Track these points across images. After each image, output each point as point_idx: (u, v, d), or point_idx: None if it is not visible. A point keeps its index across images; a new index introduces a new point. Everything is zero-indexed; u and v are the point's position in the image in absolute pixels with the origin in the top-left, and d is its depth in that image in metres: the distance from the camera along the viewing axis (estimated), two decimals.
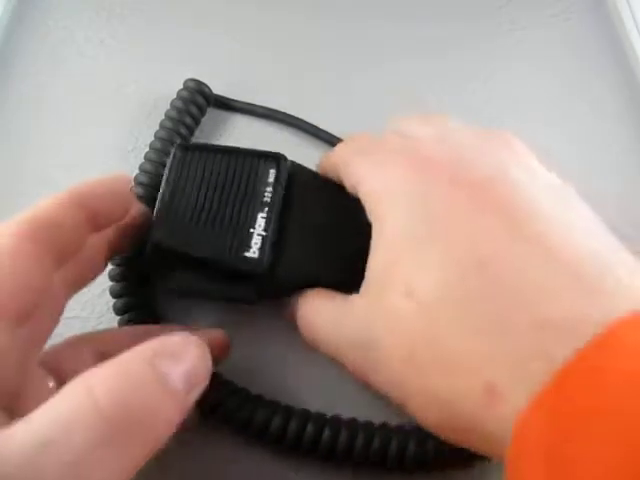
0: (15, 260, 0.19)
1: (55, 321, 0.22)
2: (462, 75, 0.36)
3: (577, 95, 0.35)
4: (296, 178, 0.25)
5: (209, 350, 0.19)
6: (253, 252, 0.23)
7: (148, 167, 0.29)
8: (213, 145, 0.27)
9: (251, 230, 0.24)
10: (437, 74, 0.35)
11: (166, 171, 0.25)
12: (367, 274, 0.22)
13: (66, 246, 0.21)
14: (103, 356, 0.19)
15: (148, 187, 0.28)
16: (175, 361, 0.18)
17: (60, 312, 0.22)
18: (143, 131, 0.33)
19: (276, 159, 0.25)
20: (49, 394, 0.17)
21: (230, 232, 0.24)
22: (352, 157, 0.25)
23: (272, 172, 0.25)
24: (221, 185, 0.25)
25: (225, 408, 0.24)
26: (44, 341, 0.21)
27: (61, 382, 0.21)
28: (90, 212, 0.21)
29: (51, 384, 0.21)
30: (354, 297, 0.22)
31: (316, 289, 0.25)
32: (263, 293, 0.25)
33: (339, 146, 0.28)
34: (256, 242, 0.24)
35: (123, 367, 0.17)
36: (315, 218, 0.25)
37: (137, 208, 0.25)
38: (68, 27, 0.36)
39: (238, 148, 0.26)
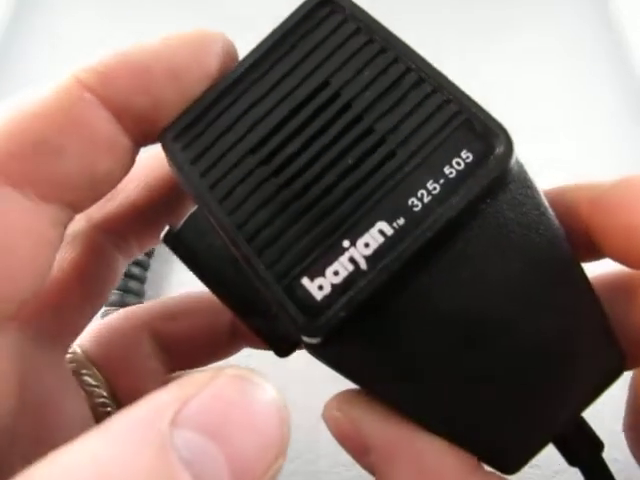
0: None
1: (99, 299, 0.17)
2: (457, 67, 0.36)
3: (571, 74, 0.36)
4: (504, 195, 0.12)
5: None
6: (318, 289, 0.12)
7: None
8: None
9: (344, 244, 0.12)
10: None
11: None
12: None
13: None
14: (163, 340, 0.17)
15: None
16: None
17: (112, 281, 0.17)
18: None
19: (500, 133, 0.12)
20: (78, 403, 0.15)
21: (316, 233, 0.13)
22: None
23: (468, 155, 0.12)
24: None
25: None
26: (74, 332, 0.17)
27: (112, 383, 0.17)
28: (120, 110, 0.13)
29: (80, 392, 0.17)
30: None
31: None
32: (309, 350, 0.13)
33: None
34: (337, 271, 0.12)
35: None
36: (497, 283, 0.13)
37: None
38: (68, 28, 0.37)
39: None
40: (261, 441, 0.10)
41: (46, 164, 0.12)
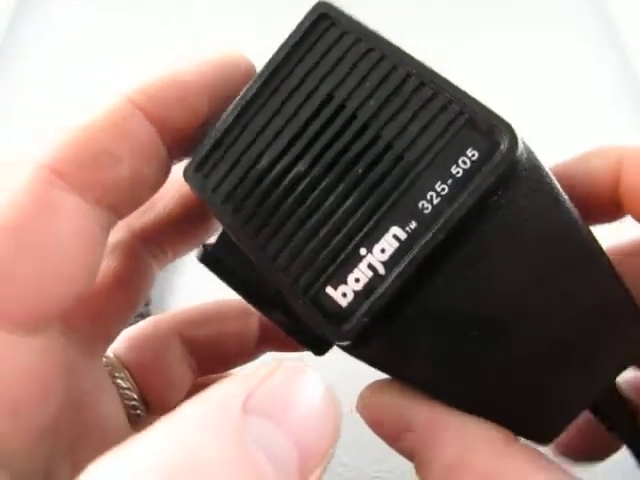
0: (49, 216, 0.13)
1: (135, 305, 0.18)
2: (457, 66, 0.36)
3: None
4: (517, 185, 0.13)
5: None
6: (342, 296, 0.13)
7: None
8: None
9: (362, 252, 0.13)
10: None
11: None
12: None
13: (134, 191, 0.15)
14: (191, 345, 0.18)
15: None
16: None
17: (146, 289, 0.18)
18: None
19: (504, 128, 0.12)
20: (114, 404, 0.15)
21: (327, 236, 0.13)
22: None
23: (474, 152, 0.12)
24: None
25: None
26: (111, 337, 0.17)
27: (142, 386, 0.18)
28: (166, 126, 0.14)
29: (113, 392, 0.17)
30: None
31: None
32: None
33: None
34: (357, 278, 0.13)
35: None
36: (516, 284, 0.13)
37: None
38: (68, 29, 0.37)
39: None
40: (321, 429, 0.10)
41: (104, 171, 0.14)
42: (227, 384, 0.10)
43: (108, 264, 0.17)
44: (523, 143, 0.12)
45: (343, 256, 0.13)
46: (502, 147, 0.12)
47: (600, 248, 0.15)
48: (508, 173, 0.12)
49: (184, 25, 0.37)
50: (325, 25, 0.14)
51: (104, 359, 0.18)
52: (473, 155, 0.12)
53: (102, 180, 0.14)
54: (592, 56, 0.37)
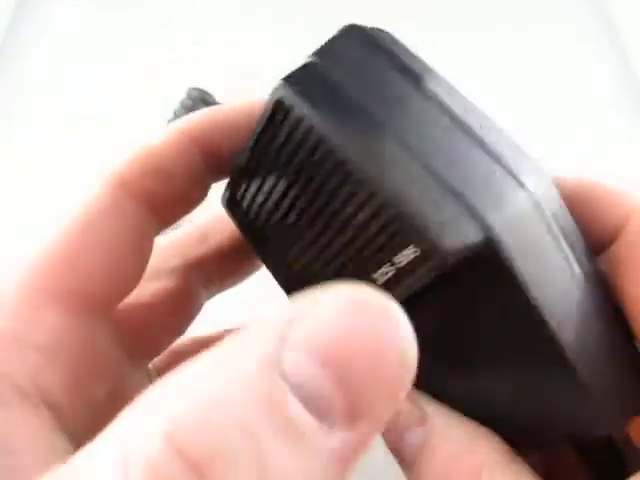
0: (108, 227, 0.15)
1: (183, 327, 0.19)
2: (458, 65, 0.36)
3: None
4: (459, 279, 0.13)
5: None
6: None
7: None
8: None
9: None
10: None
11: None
12: None
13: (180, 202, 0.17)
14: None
15: None
16: None
17: (194, 314, 0.19)
18: None
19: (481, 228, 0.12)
20: None
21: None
22: None
23: (410, 251, 0.13)
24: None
25: None
26: (156, 352, 0.19)
27: None
28: (210, 152, 0.17)
29: None
30: None
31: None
32: None
33: None
34: None
35: None
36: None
37: None
38: (68, 29, 0.37)
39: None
40: (381, 381, 0.09)
41: (160, 185, 0.16)
42: (273, 312, 0.09)
43: (164, 284, 0.18)
44: (489, 238, 0.12)
45: None
46: (441, 248, 0.12)
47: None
48: (445, 274, 0.13)
49: (184, 25, 0.37)
50: (282, 114, 0.15)
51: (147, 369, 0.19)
52: (414, 252, 0.13)
53: (158, 192, 0.16)
54: (592, 56, 0.37)
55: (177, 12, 0.38)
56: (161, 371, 0.19)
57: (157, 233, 0.17)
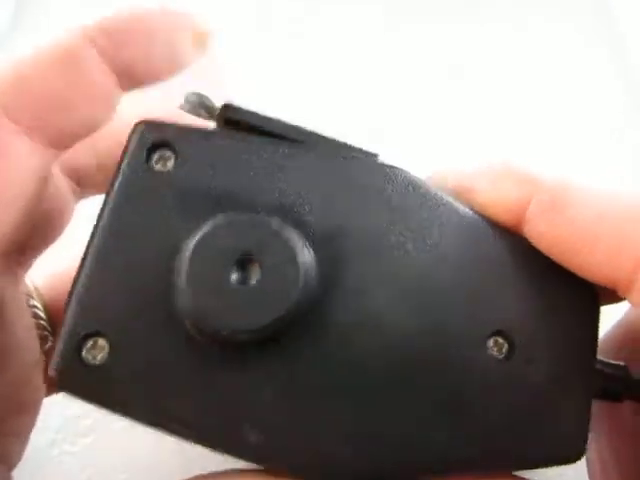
0: None
1: (51, 240, 0.18)
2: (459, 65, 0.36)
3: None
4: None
5: None
6: None
7: None
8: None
9: None
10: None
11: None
12: None
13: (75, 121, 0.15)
14: None
15: None
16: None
17: (66, 222, 0.18)
18: None
19: None
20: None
21: None
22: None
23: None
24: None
25: None
26: (29, 264, 0.18)
27: (57, 315, 0.18)
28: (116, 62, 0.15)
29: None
30: None
31: None
32: None
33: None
34: None
35: None
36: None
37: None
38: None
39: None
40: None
41: (55, 116, 0.14)
42: None
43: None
44: None
45: None
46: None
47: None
48: None
49: None
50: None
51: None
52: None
53: (53, 124, 0.14)
54: (592, 56, 0.37)
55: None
56: (46, 295, 0.19)
57: (54, 160, 0.15)
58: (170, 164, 0.15)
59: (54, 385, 0.13)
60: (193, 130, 0.15)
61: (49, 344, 0.19)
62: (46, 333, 0.19)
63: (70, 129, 0.15)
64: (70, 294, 0.14)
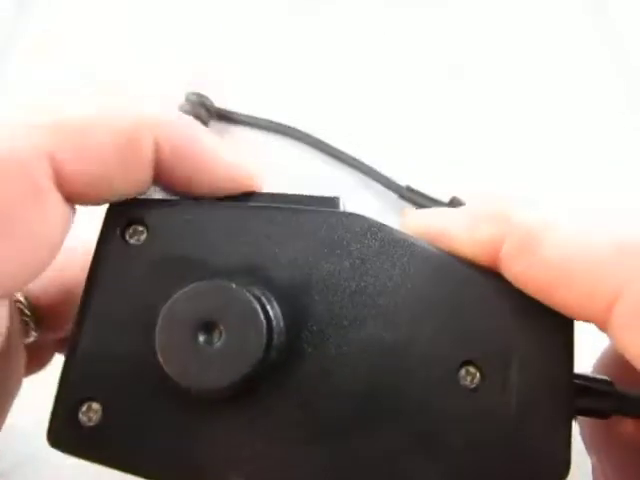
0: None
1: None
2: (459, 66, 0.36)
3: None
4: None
5: None
6: None
7: None
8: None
9: None
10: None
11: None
12: None
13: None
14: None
15: None
16: None
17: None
18: None
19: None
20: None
21: None
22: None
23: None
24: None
25: None
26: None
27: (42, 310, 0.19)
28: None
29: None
30: None
31: None
32: None
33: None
34: None
35: None
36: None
37: None
38: (66, 32, 0.36)
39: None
40: None
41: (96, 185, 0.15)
42: None
43: None
44: None
45: None
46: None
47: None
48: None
49: (183, 29, 0.37)
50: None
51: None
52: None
53: (90, 187, 0.15)
54: (592, 56, 0.37)
55: (177, 15, 0.37)
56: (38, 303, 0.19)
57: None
58: (143, 237, 0.16)
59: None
60: (162, 203, 0.17)
61: (32, 338, 0.19)
62: (27, 319, 0.19)
63: (95, 195, 0.16)
64: (66, 361, 0.15)
